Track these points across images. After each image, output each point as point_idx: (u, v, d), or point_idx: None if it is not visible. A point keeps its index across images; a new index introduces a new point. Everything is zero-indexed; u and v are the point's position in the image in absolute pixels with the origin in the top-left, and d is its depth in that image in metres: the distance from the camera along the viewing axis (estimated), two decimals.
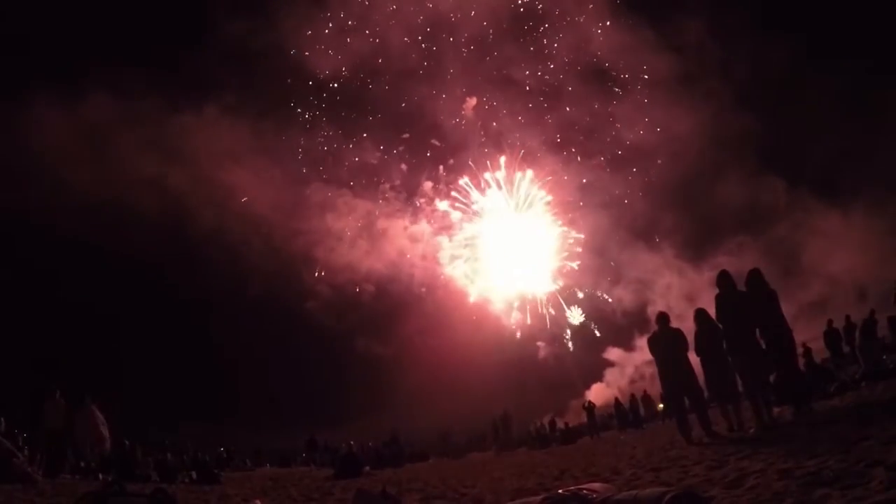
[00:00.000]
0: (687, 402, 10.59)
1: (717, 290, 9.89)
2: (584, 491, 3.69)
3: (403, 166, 42.61)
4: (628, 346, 39.19)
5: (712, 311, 9.87)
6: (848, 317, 19.74)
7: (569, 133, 41.19)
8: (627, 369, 38.82)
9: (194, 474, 16.94)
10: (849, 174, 34.09)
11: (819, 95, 34.32)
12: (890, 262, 29.99)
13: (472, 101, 42.44)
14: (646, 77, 40.25)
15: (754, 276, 9.67)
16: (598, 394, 37.94)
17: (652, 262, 39.83)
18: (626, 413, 30.01)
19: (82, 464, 15.60)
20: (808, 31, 34.94)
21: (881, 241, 32.13)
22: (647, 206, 40.78)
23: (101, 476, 13.83)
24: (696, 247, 38.80)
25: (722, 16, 37.34)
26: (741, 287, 9.81)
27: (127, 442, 18.23)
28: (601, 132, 41.38)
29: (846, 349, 19.16)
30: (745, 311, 9.41)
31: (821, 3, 35.78)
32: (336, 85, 41.66)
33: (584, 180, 41.34)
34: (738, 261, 33.12)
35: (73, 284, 36.23)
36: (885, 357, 17.60)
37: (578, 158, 41.42)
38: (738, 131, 37.26)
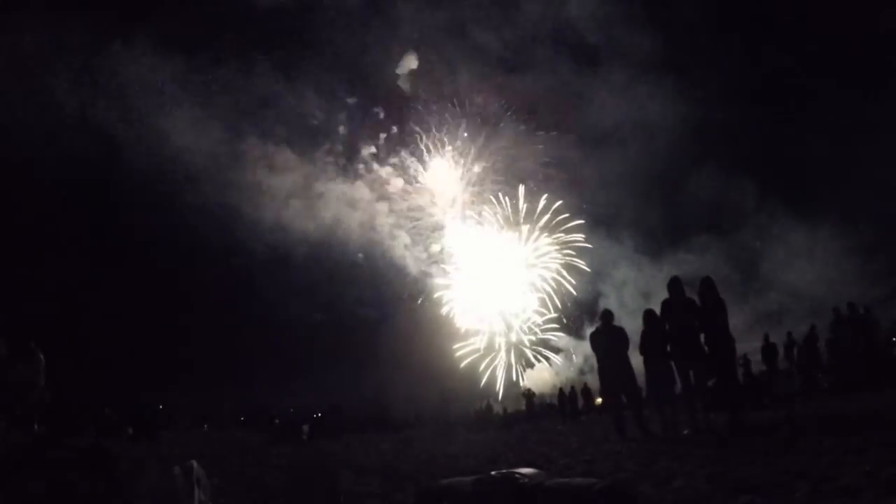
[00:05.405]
0: (624, 399, 10.89)
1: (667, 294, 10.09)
2: (516, 475, 3.78)
3: (342, 129, 40.33)
4: (577, 335, 38.50)
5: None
6: (790, 333, 20.13)
7: (532, 104, 39.16)
8: (576, 358, 38.43)
9: (131, 430, 16.83)
10: (822, 187, 34.10)
11: (803, 102, 34.90)
12: (850, 281, 30.58)
13: (413, 60, 39.93)
14: (625, 55, 37.63)
15: (705, 284, 9.85)
16: (538, 379, 37.82)
17: (609, 253, 38.70)
18: (567, 403, 30.19)
19: (18, 412, 15.28)
20: (802, 35, 35.01)
21: (844, 259, 32.46)
22: (610, 193, 38.56)
23: (36, 427, 13.59)
24: (658, 242, 37.89)
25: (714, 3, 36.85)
26: (692, 292, 10.02)
27: (65, 394, 17.93)
28: (569, 107, 39.06)
29: (785, 365, 19.58)
30: (690, 317, 9.62)
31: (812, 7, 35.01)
32: (277, 20, 38.13)
33: (546, 158, 39.64)
34: (699, 260, 33.42)
35: None
36: (820, 376, 18.15)
37: (541, 133, 39.55)
38: (715, 127, 36.47)
